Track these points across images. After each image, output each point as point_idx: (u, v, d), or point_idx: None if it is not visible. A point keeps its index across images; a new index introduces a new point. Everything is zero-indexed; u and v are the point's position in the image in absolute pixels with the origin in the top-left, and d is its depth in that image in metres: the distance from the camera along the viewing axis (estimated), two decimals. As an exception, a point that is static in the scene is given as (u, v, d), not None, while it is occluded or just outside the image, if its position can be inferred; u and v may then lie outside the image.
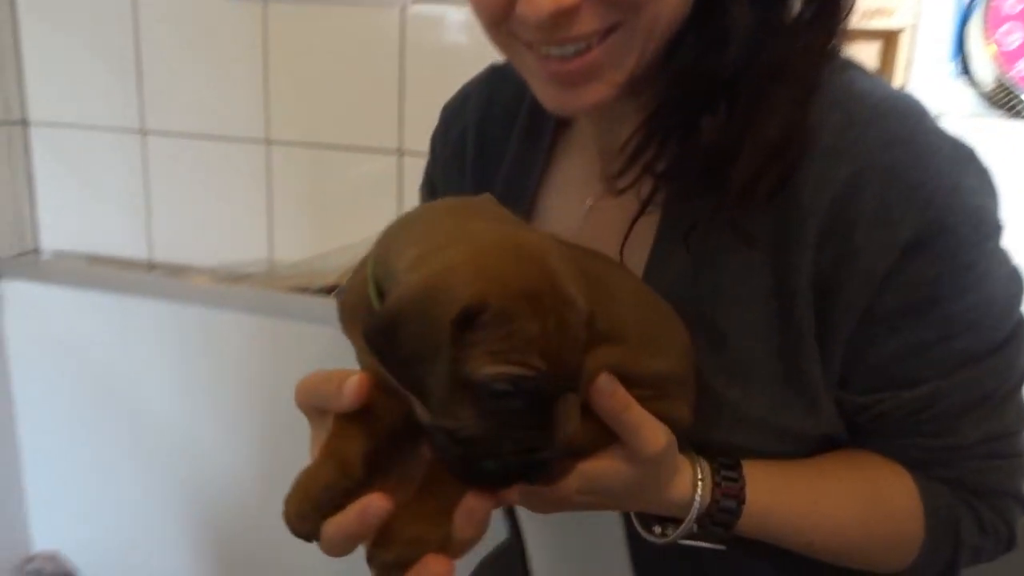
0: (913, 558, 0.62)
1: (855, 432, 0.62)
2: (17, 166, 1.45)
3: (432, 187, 0.81)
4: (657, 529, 0.61)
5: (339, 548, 0.47)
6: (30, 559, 1.48)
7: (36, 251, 1.49)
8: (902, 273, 0.55)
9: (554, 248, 0.48)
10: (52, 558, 1.49)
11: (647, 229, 0.62)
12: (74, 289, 1.37)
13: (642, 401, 0.54)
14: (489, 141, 0.74)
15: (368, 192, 1.31)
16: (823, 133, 0.56)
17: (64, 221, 1.49)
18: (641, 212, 0.61)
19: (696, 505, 0.58)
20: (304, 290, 1.31)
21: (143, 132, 1.39)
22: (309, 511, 0.47)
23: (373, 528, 0.46)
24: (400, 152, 1.28)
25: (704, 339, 0.60)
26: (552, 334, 0.44)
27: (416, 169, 1.24)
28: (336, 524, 0.46)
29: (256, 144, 1.34)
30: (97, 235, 1.47)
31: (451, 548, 0.47)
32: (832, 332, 0.58)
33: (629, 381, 0.54)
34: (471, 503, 0.47)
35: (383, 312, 0.45)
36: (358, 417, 0.49)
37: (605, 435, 0.54)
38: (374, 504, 0.46)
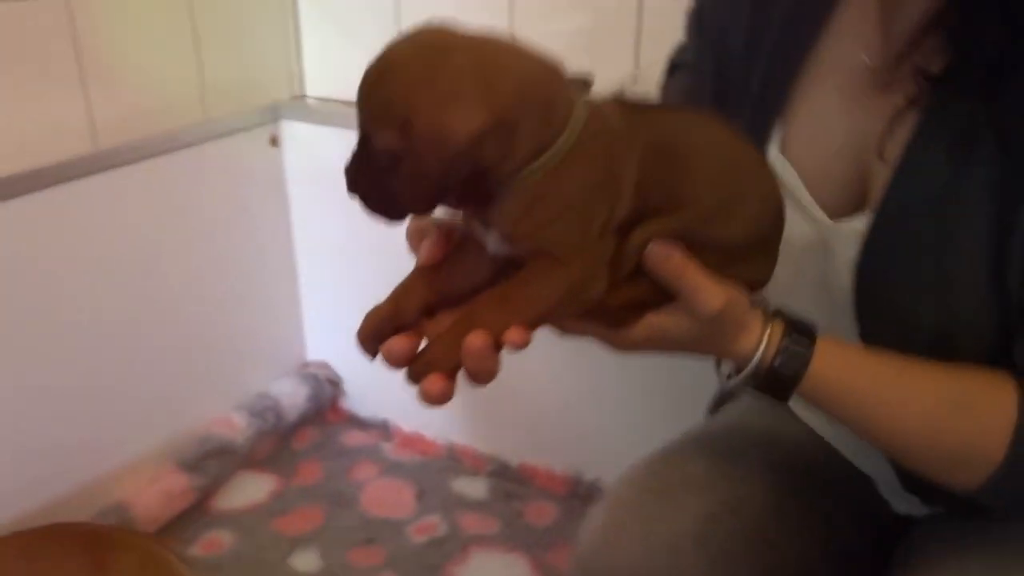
0: (983, 480, 0.59)
1: None
2: (288, 16, 1.58)
3: (701, 16, 0.80)
4: (724, 371, 0.64)
5: (390, 365, 0.56)
6: (305, 365, 1.70)
7: (303, 96, 1.63)
8: None
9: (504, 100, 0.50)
10: (323, 367, 1.70)
11: (902, 120, 0.61)
12: (339, 129, 1.49)
13: (715, 266, 0.57)
14: None
15: (606, 38, 1.31)
16: None
17: (326, 68, 1.61)
18: (904, 109, 0.60)
19: (755, 362, 0.60)
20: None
21: (396, -17, 1.46)
22: (370, 336, 0.57)
23: (401, 359, 0.55)
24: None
25: (932, 261, 0.60)
26: (368, 99, 0.53)
27: (656, 11, 1.24)
28: (383, 349, 0.56)
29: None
30: (354, 82, 1.58)
31: (469, 376, 0.55)
32: None
33: (701, 246, 0.57)
34: (471, 338, 0.53)
35: None
36: (428, 270, 0.58)
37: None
38: (396, 344, 0.56)
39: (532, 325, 0.55)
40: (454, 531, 1.40)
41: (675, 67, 0.84)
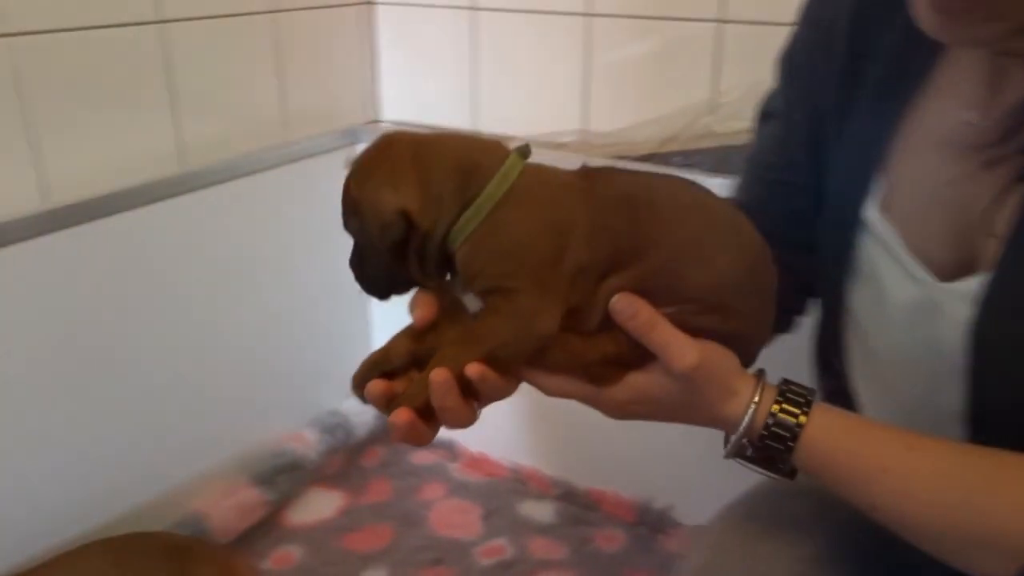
0: (1012, 571, 0.53)
1: None
2: (365, 43, 1.62)
3: (791, 62, 0.76)
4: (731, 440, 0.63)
5: (370, 404, 0.62)
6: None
7: (378, 121, 1.67)
8: None
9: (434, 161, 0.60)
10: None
11: (1007, 188, 0.58)
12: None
13: (687, 315, 0.59)
14: (862, 32, 0.68)
15: (683, 63, 1.32)
16: None
17: (402, 93, 1.65)
18: (1013, 183, 0.57)
19: (744, 427, 0.59)
20: (619, 158, 1.36)
21: (474, 8, 1.49)
22: (359, 381, 0.63)
23: (377, 398, 0.61)
24: (719, 20, 1.26)
25: None
26: (341, 196, 0.62)
27: (738, 37, 1.24)
28: (365, 390, 0.62)
29: (577, 17, 1.39)
30: (429, 106, 1.62)
31: (438, 415, 0.60)
32: None
33: (673, 294, 0.59)
34: (433, 374, 0.58)
35: None
36: (419, 329, 0.63)
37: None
38: (374, 386, 0.61)
39: (489, 359, 0.58)
40: (522, 555, 1.40)
41: (766, 115, 0.81)
